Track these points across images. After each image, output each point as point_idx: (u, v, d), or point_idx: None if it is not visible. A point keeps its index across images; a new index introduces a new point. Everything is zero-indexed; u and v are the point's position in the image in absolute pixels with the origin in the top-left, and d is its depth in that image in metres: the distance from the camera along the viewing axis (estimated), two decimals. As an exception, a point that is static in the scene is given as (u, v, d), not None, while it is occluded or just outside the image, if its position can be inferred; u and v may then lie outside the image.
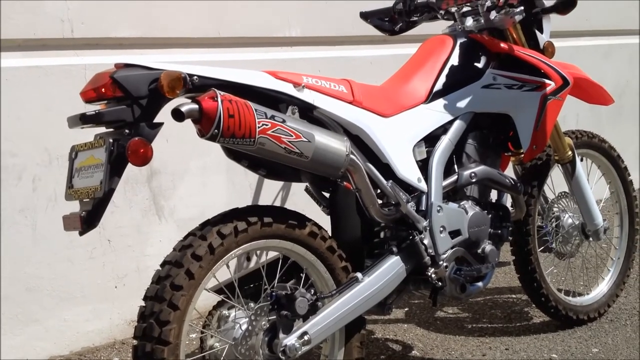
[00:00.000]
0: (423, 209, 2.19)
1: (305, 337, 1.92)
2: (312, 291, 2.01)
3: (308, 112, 1.99)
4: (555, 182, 2.89)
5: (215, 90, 1.76)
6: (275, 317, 1.92)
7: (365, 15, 2.63)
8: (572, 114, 4.43)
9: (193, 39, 3.03)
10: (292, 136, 1.84)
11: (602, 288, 2.99)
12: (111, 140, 1.71)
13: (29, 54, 2.62)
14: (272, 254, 2.13)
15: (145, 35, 2.88)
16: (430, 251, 2.18)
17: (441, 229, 2.20)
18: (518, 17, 2.40)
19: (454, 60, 2.36)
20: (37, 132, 2.62)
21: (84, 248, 2.75)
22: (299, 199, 2.50)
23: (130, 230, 2.87)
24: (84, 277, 2.77)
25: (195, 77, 1.76)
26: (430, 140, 2.27)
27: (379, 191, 2.12)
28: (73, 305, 2.74)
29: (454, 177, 2.31)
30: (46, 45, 2.66)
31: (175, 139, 2.82)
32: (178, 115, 1.70)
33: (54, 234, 2.60)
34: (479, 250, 2.34)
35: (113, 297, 2.84)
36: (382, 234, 2.22)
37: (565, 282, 3.11)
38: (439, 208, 2.20)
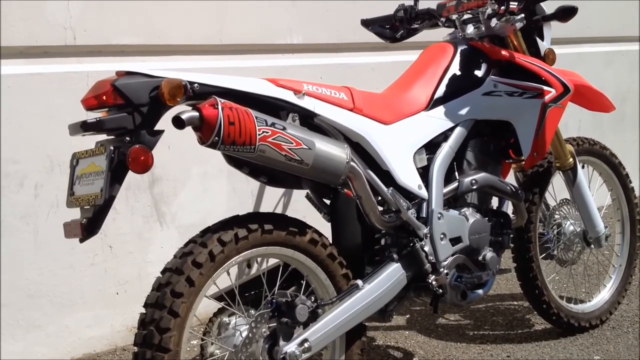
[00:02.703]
0: (424, 216, 2.20)
1: (306, 345, 1.92)
2: (313, 298, 2.01)
3: (309, 120, 1.99)
4: (557, 189, 2.89)
5: (216, 97, 1.76)
6: (275, 324, 1.92)
7: (367, 23, 2.64)
8: (574, 121, 4.43)
9: (195, 46, 3.03)
10: (292, 143, 1.84)
11: (603, 295, 2.98)
12: (112, 148, 1.71)
13: (31, 61, 2.63)
14: (273, 261, 2.13)
15: (147, 42, 2.89)
16: (431, 258, 2.18)
17: (442, 236, 2.20)
18: (519, 25, 2.40)
19: (455, 67, 2.37)
20: (39, 139, 2.63)
21: (85, 254, 2.75)
22: (301, 205, 2.51)
23: (131, 236, 2.88)
24: (85, 283, 2.77)
25: (196, 84, 1.77)
26: (431, 147, 2.28)
27: (379, 198, 2.12)
28: (74, 312, 2.75)
29: (454, 184, 2.31)
30: (48, 53, 2.67)
31: (177, 145, 2.83)
32: (179, 122, 1.71)
33: (56, 240, 2.61)
34: (480, 258, 2.34)
35: (114, 303, 2.85)
36: (382, 241, 2.22)
37: (567, 289, 3.11)
38: (439, 215, 2.20)
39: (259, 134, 1.78)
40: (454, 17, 2.46)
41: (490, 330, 2.93)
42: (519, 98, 2.40)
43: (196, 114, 1.72)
